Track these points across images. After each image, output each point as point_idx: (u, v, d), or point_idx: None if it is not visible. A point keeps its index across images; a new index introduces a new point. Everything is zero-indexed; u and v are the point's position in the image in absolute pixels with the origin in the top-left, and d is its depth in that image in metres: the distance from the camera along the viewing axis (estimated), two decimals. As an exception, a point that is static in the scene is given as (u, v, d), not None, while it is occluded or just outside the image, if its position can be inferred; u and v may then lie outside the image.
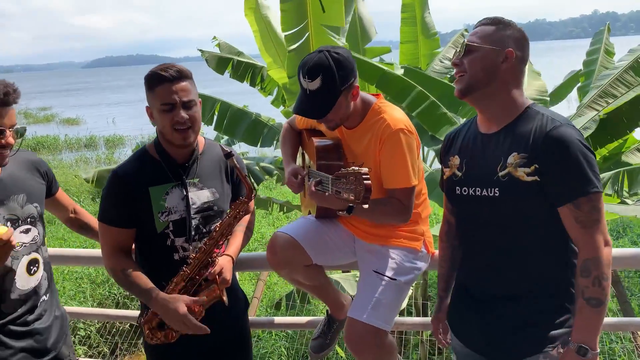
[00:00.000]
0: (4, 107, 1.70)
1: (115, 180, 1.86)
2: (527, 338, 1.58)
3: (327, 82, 1.82)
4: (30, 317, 1.86)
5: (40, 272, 1.89)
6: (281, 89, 5.32)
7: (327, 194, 1.75)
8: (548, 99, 4.76)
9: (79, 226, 2.19)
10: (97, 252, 2.27)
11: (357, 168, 1.54)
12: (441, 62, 5.73)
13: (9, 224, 1.78)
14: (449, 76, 5.46)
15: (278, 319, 2.49)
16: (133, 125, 23.57)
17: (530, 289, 1.58)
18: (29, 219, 1.85)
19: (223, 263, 1.88)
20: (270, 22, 5.28)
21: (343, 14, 4.39)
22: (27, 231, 1.84)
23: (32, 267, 1.85)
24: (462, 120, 3.71)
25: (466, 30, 6.38)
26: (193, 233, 1.88)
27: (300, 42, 4.40)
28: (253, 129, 5.03)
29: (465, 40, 1.61)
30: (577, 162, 1.46)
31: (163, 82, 1.77)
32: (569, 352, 1.50)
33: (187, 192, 1.87)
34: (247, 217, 2.06)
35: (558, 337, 1.55)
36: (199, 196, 1.90)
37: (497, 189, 1.56)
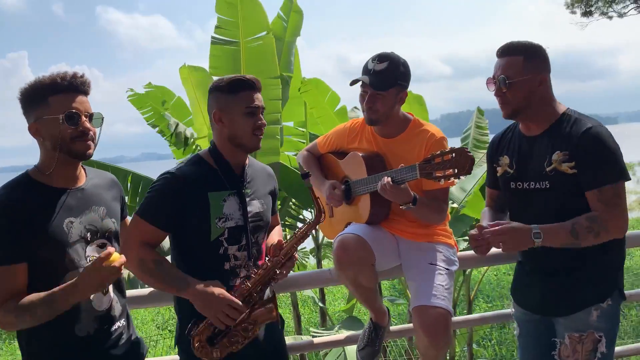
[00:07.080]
0: (71, 93, 1.60)
1: (172, 180, 1.79)
2: (578, 297, 1.88)
3: (392, 68, 2.13)
4: (106, 344, 1.67)
5: (112, 293, 1.72)
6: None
7: (402, 186, 1.94)
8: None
9: None
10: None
11: (451, 147, 1.79)
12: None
13: (89, 234, 1.65)
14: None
15: (317, 340, 2.45)
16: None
17: (576, 264, 1.88)
18: (106, 234, 1.71)
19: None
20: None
21: (277, 65, 4.78)
22: (102, 245, 1.68)
23: None
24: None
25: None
26: (245, 242, 1.87)
27: None
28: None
29: (500, 74, 1.85)
30: (605, 157, 1.78)
31: (247, 88, 1.82)
32: (527, 232, 1.77)
33: (244, 200, 1.88)
34: (279, 228, 2.13)
35: (604, 296, 1.86)
36: (252, 206, 1.90)
37: (547, 181, 1.86)
